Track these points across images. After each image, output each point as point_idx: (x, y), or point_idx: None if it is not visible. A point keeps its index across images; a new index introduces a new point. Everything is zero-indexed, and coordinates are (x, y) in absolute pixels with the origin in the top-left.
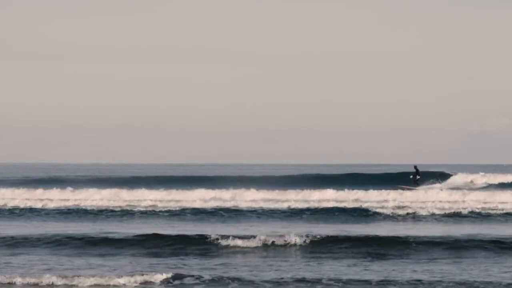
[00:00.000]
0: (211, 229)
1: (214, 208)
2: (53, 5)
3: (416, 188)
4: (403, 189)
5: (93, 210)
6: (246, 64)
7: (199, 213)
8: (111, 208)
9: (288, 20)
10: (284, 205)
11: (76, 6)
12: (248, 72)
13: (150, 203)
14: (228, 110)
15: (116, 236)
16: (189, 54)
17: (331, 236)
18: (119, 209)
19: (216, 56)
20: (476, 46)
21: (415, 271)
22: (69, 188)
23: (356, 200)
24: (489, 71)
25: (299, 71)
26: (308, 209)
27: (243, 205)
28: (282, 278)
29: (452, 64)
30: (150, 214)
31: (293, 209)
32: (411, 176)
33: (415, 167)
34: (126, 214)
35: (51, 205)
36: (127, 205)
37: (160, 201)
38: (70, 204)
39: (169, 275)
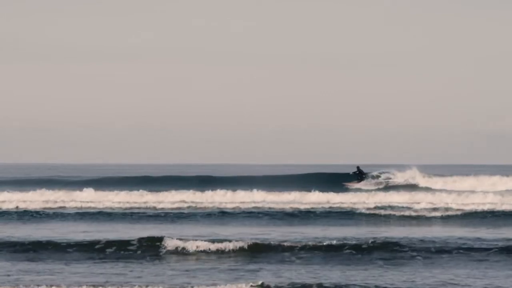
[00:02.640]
0: None
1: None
2: (58, 5)
3: (355, 185)
4: (346, 186)
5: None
6: (251, 64)
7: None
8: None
9: (293, 20)
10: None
11: (79, 6)
12: (253, 73)
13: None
14: (233, 110)
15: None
16: (194, 55)
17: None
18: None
19: (223, 57)
20: (488, 44)
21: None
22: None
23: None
24: (502, 70)
25: (304, 72)
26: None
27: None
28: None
29: (464, 63)
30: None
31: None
32: (352, 173)
33: (358, 167)
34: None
35: None
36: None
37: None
38: None
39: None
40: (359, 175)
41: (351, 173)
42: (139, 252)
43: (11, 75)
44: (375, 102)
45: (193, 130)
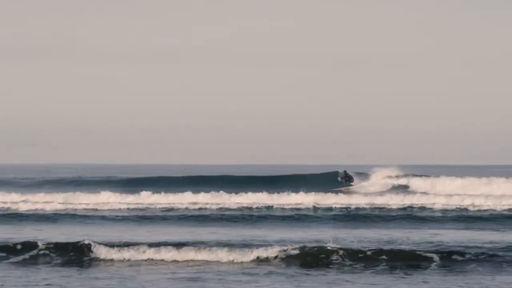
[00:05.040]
0: None
1: None
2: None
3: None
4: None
5: None
6: (253, 64)
7: None
8: None
9: (293, 21)
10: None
11: (83, 6)
12: (254, 73)
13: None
14: (238, 110)
15: None
16: (199, 55)
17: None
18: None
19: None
20: (488, 44)
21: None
22: None
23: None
24: (502, 70)
25: (304, 73)
26: None
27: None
28: None
29: (464, 63)
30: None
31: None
32: (339, 179)
33: (345, 172)
34: None
35: None
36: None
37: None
38: None
39: None
40: (347, 178)
41: (339, 179)
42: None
43: (17, 75)
44: (375, 102)
45: (202, 131)
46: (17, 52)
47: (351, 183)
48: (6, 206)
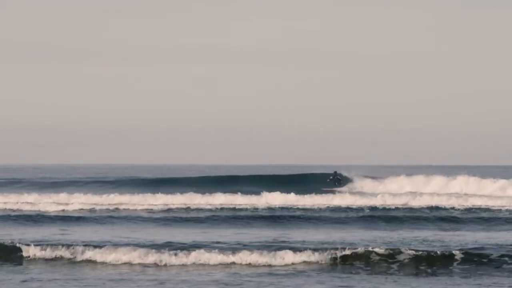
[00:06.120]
0: None
1: None
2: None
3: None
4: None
5: None
6: (256, 63)
7: None
8: None
9: (293, 20)
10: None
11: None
12: (251, 72)
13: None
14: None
15: None
16: (211, 54)
17: None
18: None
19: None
20: (488, 44)
21: None
22: None
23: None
24: (502, 70)
25: (304, 73)
26: None
27: None
28: None
29: (464, 63)
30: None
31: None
32: (329, 179)
33: (335, 172)
34: None
35: None
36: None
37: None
38: None
39: None
40: (336, 179)
41: (328, 180)
42: None
43: (40, 77)
44: (375, 102)
45: (215, 131)
46: (42, 54)
47: (340, 186)
48: (28, 207)
